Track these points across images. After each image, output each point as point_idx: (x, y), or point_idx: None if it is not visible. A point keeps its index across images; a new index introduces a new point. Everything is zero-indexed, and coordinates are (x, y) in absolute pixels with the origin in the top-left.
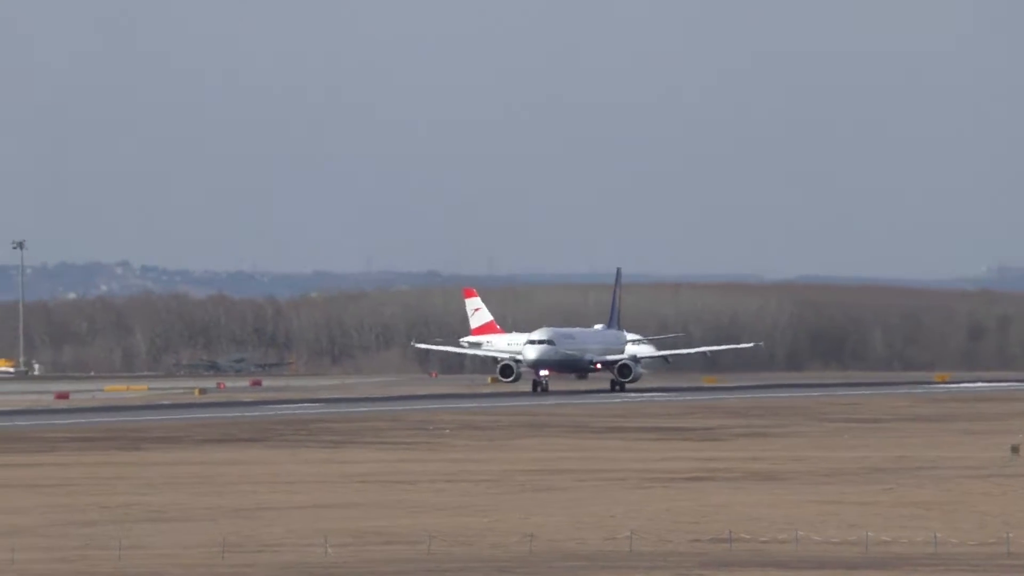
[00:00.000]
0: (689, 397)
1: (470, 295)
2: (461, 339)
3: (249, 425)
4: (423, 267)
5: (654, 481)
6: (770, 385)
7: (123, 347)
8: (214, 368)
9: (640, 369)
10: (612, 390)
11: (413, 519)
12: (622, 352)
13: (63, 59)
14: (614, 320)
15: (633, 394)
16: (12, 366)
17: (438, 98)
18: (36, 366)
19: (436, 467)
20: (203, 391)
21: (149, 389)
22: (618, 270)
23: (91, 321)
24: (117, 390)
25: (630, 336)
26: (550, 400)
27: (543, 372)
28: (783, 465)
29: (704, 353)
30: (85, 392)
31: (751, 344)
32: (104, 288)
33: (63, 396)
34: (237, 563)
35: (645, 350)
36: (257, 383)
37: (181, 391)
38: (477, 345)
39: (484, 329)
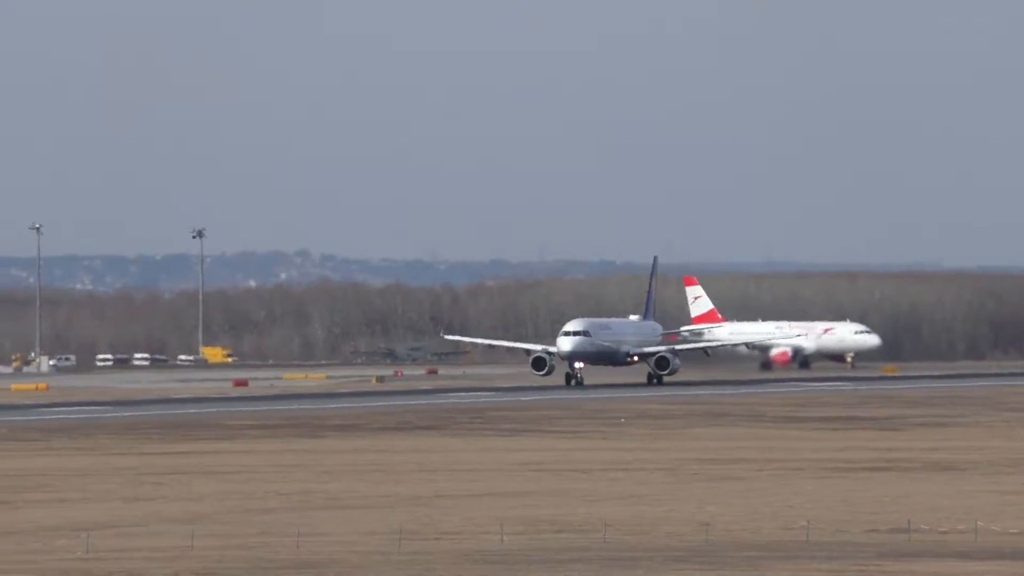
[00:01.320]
0: (866, 387)
1: (690, 283)
2: (682, 328)
3: (426, 413)
4: (597, 256)
5: (831, 471)
6: (949, 375)
7: (301, 335)
8: (391, 356)
9: (678, 361)
10: (649, 383)
11: (588, 508)
12: (657, 344)
13: (244, 50)
14: (650, 311)
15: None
16: (229, 354)
17: (609, 90)
18: None
19: (611, 456)
20: (380, 379)
21: (327, 377)
22: (655, 259)
23: (270, 309)
24: (295, 378)
25: (855, 327)
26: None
27: (577, 364)
28: (962, 455)
29: (744, 346)
30: (264, 380)
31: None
32: (283, 276)
33: (242, 384)
34: (414, 550)
35: (871, 340)
36: (433, 371)
37: (359, 379)
38: (699, 334)
39: (705, 318)
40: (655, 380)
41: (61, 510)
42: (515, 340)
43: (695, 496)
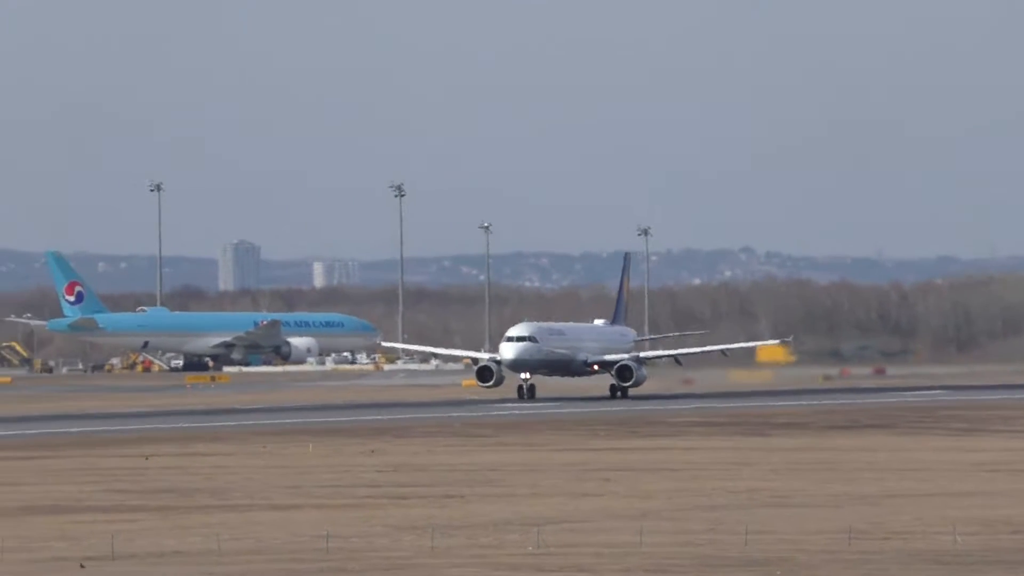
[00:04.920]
0: None
1: None
2: None
3: (873, 412)
4: None
5: None
6: None
7: (746, 332)
8: (836, 355)
9: (644, 372)
10: (612, 396)
11: None
12: (627, 352)
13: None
14: (620, 315)
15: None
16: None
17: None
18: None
19: None
20: (827, 377)
21: (774, 375)
22: (626, 256)
23: (714, 306)
24: (742, 375)
25: None
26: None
27: (523, 375)
28: None
29: (722, 352)
30: (709, 377)
31: (779, 340)
32: (728, 274)
33: (688, 382)
34: (864, 550)
35: None
36: (881, 370)
37: (805, 377)
38: None
39: None
40: (619, 393)
41: (511, 505)
42: (966, 339)
43: None
